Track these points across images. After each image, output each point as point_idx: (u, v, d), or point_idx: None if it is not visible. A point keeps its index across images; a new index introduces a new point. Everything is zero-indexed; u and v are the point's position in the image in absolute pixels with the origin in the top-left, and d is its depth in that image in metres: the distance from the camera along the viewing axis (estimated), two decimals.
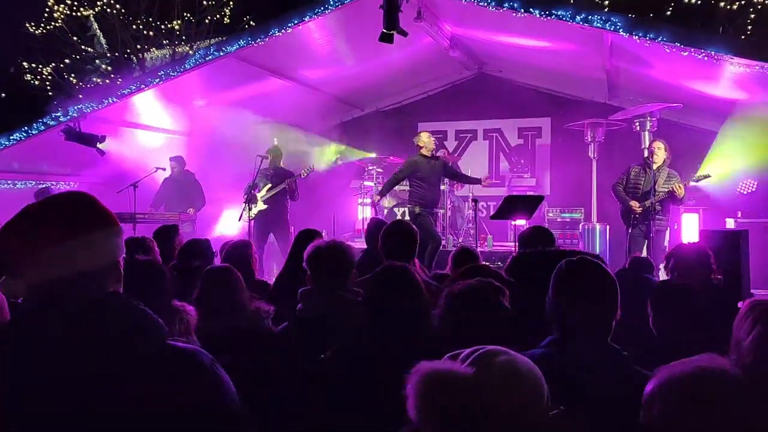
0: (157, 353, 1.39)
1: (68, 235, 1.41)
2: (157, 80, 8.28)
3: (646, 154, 7.77)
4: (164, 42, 15.01)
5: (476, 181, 8.68)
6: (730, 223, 8.75)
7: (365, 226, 9.99)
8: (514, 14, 6.95)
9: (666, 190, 7.52)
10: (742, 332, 2.15)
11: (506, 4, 6.84)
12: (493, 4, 6.88)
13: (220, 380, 1.44)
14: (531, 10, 6.80)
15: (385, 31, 6.90)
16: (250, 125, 10.13)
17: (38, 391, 1.31)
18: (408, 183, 8.45)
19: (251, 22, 13.71)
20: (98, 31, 15.20)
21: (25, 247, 1.41)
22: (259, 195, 8.60)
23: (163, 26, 14.59)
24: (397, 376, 1.42)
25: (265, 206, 8.58)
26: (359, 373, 2.28)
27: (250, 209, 8.23)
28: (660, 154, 7.55)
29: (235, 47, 7.88)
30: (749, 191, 8.63)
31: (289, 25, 7.59)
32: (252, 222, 8.25)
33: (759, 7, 11.82)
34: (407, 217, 8.94)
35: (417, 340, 2.35)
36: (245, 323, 2.91)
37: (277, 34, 7.67)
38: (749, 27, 12.06)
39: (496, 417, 1.32)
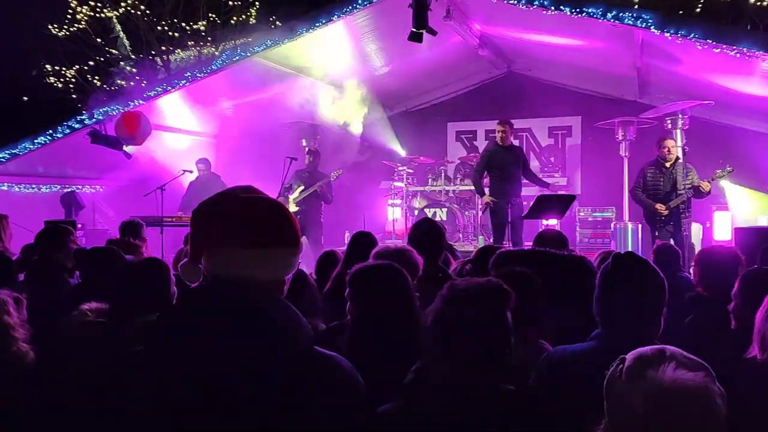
0: (307, 357, 1.44)
1: (251, 245, 1.46)
2: (183, 81, 8.33)
3: (658, 152, 7.60)
4: (189, 43, 15.09)
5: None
6: (763, 221, 8.63)
7: (395, 227, 10.06)
8: (544, 12, 6.89)
9: (689, 186, 7.40)
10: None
11: (536, 2, 6.79)
12: (524, 1, 6.84)
13: (359, 386, 1.50)
14: (561, 7, 6.74)
15: (414, 30, 6.89)
16: (277, 126, 10.20)
17: (194, 383, 1.36)
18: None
19: (277, 23, 13.75)
20: (121, 32, 15.35)
21: (208, 241, 1.48)
22: (291, 197, 8.65)
23: (188, 27, 14.68)
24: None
25: (297, 208, 8.63)
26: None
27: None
28: (673, 151, 7.46)
29: (262, 48, 7.90)
30: None
31: (317, 24, 7.60)
32: None
33: None
34: (438, 218, 8.94)
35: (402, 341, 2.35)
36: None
37: (305, 33, 7.67)
38: None
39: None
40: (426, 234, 3.99)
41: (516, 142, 11.35)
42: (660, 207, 7.45)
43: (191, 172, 9.11)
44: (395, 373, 1.97)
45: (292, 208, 8.64)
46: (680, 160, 7.52)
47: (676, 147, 7.57)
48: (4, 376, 2.38)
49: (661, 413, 1.32)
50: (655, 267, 2.31)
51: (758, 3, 11.34)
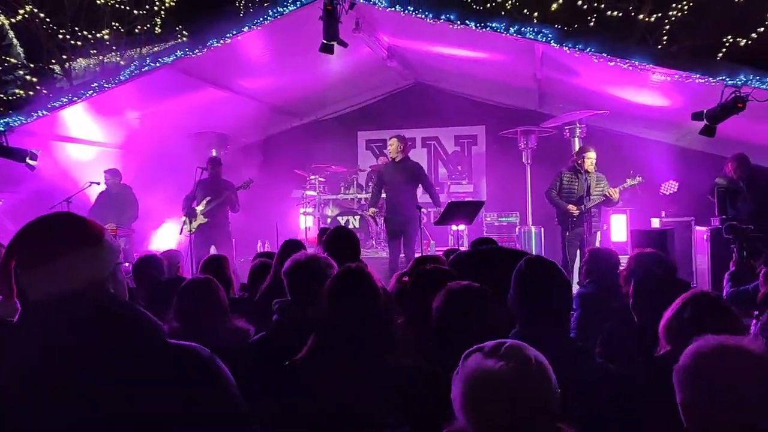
0: (161, 351, 1.48)
1: (61, 254, 1.47)
2: (90, 92, 8.09)
3: (578, 160, 8.12)
4: (92, 52, 14.60)
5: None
6: (656, 223, 9.24)
7: (307, 236, 10.10)
8: (450, 26, 7.16)
9: (599, 193, 7.94)
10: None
11: (443, 16, 7.05)
12: (431, 16, 7.08)
13: (220, 372, 1.54)
14: (467, 22, 7.02)
15: (325, 41, 7.01)
16: (187, 136, 10.05)
17: (46, 395, 1.38)
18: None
19: (183, 33, 13.54)
20: (15, 39, 14.67)
21: (24, 267, 1.48)
22: (198, 208, 8.56)
23: (90, 35, 14.20)
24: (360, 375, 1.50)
25: (206, 219, 8.54)
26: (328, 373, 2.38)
27: (190, 222, 8.18)
28: (593, 161, 7.97)
29: (172, 58, 7.79)
30: (671, 192, 9.13)
31: (228, 35, 7.57)
32: (193, 236, 8.19)
33: (673, 19, 12.51)
34: (351, 226, 9.09)
35: (377, 343, 2.47)
36: (224, 343, 2.88)
37: (216, 44, 7.64)
38: (665, 38, 12.74)
39: (537, 406, 1.42)
40: (345, 241, 4.12)
41: (424, 151, 11.73)
42: (572, 208, 7.95)
43: (98, 183, 8.85)
44: None
45: (200, 219, 8.56)
46: (594, 169, 8.03)
47: (594, 157, 8.08)
48: None
49: (467, 397, 1.45)
50: (561, 269, 2.52)
51: (647, 19, 12.17)
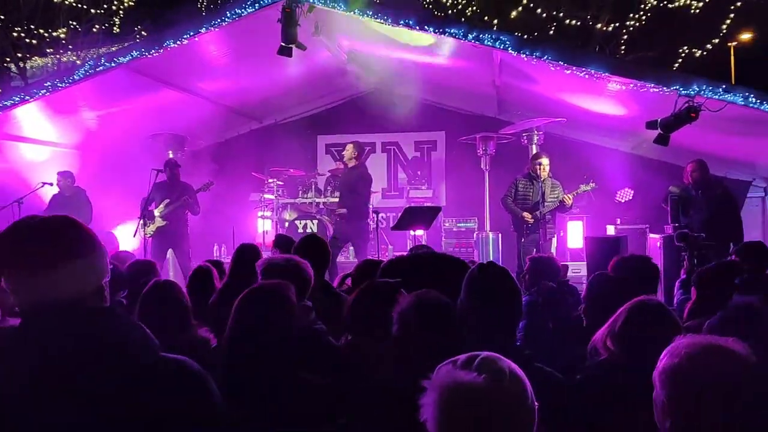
0: (152, 364, 1.47)
1: (52, 264, 1.44)
2: (43, 91, 7.89)
3: (532, 166, 8.21)
4: (48, 50, 14.29)
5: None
6: (611, 230, 9.38)
7: (265, 240, 10.01)
8: (410, 31, 7.17)
9: (554, 199, 8.03)
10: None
11: (402, 21, 7.05)
12: (390, 20, 7.08)
13: (209, 386, 1.54)
14: (426, 27, 7.05)
15: (283, 44, 6.96)
16: (144, 138, 9.88)
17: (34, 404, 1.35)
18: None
19: (142, 32, 13.33)
20: None
21: (9, 274, 1.45)
22: (156, 211, 8.43)
23: (47, 34, 13.88)
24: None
25: (164, 222, 8.42)
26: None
27: (146, 226, 8.05)
28: (546, 168, 8.07)
29: (128, 58, 7.65)
30: (626, 200, 9.28)
31: (185, 36, 7.46)
32: (150, 239, 8.07)
33: (631, 29, 12.76)
34: (309, 230, 9.02)
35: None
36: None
37: (173, 45, 7.52)
38: (623, 48, 12.98)
39: (512, 420, 1.39)
40: (315, 247, 4.08)
41: (384, 156, 11.72)
42: (527, 215, 8.04)
43: (51, 184, 8.63)
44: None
45: (159, 222, 8.43)
46: (549, 176, 8.12)
47: (548, 165, 8.16)
48: None
49: (440, 411, 1.43)
50: (512, 276, 2.53)
51: (604, 28, 12.39)
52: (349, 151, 8.53)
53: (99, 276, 1.52)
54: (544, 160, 8.14)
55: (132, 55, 7.59)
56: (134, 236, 7.80)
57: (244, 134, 11.85)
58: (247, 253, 4.26)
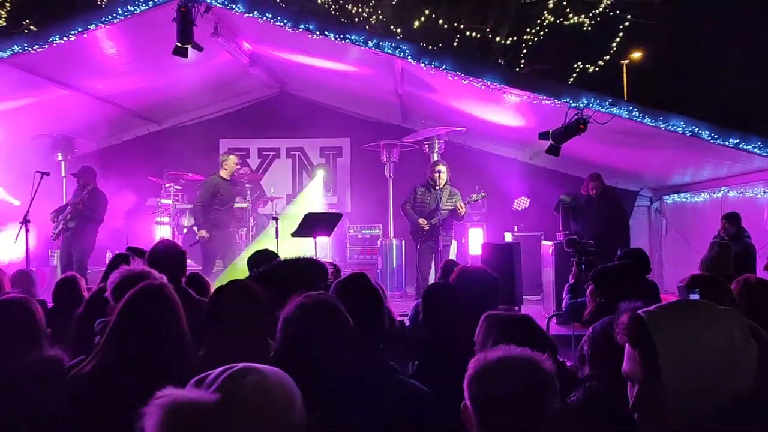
0: None
1: None
2: None
3: (430, 174, 8.30)
4: None
5: None
6: (509, 237, 9.63)
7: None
8: (310, 36, 7.11)
9: (449, 208, 8.16)
10: (480, 338, 2.47)
11: (302, 26, 6.99)
12: (290, 24, 7.00)
13: None
14: (326, 32, 7.01)
15: (179, 44, 6.74)
16: (26, 139, 9.30)
17: None
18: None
19: (31, 27, 12.62)
20: None
21: None
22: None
23: None
24: None
25: (69, 226, 8.35)
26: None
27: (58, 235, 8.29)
28: (443, 176, 8.18)
29: (8, 53, 7.18)
30: (523, 208, 9.56)
31: (72, 32, 7.08)
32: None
33: (529, 43, 13.22)
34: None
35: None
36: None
37: (59, 41, 7.12)
38: (522, 61, 13.42)
39: None
40: (166, 253, 3.92)
41: (289, 161, 11.58)
42: (422, 222, 8.13)
43: None
44: None
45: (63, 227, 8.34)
46: (447, 184, 8.21)
47: (445, 173, 8.25)
48: None
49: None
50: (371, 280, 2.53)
51: (503, 42, 12.77)
52: (232, 162, 8.49)
53: None
54: (442, 168, 8.26)
55: (13, 50, 7.14)
56: (15, 241, 7.32)
57: (142, 137, 11.40)
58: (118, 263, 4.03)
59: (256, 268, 3.73)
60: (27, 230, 7.19)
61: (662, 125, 7.11)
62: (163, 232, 9.92)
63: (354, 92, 10.41)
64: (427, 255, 8.19)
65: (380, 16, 12.59)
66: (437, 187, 8.19)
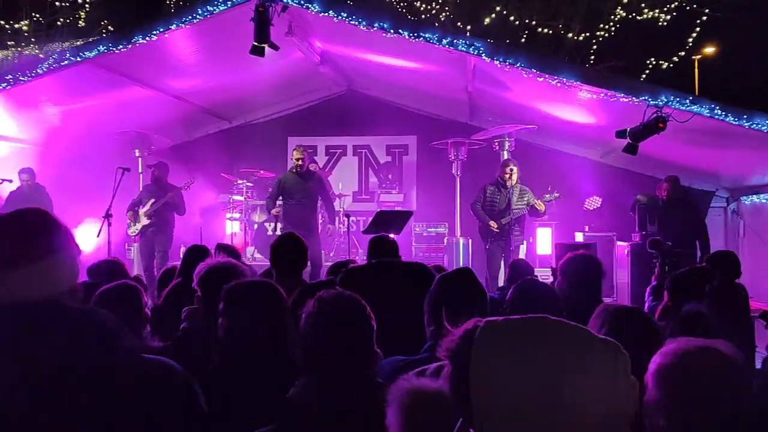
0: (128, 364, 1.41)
1: (47, 255, 1.40)
2: (4, 85, 7.66)
3: (500, 173, 8.16)
4: (9, 43, 13.94)
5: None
6: (579, 237, 9.46)
7: (233, 241, 9.86)
8: (384, 34, 7.13)
9: (521, 207, 8.02)
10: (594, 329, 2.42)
11: (377, 24, 7.01)
12: (364, 23, 7.03)
13: (192, 387, 1.52)
14: (400, 31, 7.02)
15: (256, 44, 6.86)
16: (108, 135, 9.66)
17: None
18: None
19: (109, 27, 13.07)
20: None
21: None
22: (141, 210, 8.44)
23: (8, 26, 13.54)
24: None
25: (149, 221, 8.42)
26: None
27: (134, 224, 8.48)
28: (514, 175, 8.05)
29: (94, 53, 7.46)
30: (595, 207, 9.37)
31: (154, 32, 7.31)
32: (138, 238, 8.54)
33: (600, 39, 12.94)
34: (278, 233, 8.89)
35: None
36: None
37: (141, 41, 7.36)
38: (592, 57, 13.15)
39: None
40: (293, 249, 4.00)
41: (355, 159, 11.65)
42: (492, 224, 7.99)
43: (11, 181, 8.39)
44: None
45: (144, 221, 8.49)
46: (517, 183, 8.09)
47: (516, 172, 8.11)
48: None
49: (406, 416, 1.41)
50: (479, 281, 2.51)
51: (575, 38, 12.54)
52: (299, 155, 8.39)
53: (76, 272, 1.48)
54: (513, 168, 8.12)
55: (98, 50, 7.41)
56: (98, 236, 7.60)
57: (213, 134, 11.67)
58: (196, 255, 4.11)
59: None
60: (109, 224, 7.45)
61: (746, 124, 6.87)
62: (234, 227, 10.14)
63: (421, 90, 10.40)
64: (497, 255, 8.08)
65: (449, 14, 12.55)
66: (508, 186, 8.05)
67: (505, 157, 9.08)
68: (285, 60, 8.77)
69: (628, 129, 7.04)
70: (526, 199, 8.10)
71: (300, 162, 8.28)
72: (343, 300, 2.04)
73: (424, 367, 1.48)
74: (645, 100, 6.86)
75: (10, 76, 7.67)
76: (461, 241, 9.54)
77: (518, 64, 6.95)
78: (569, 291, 3.42)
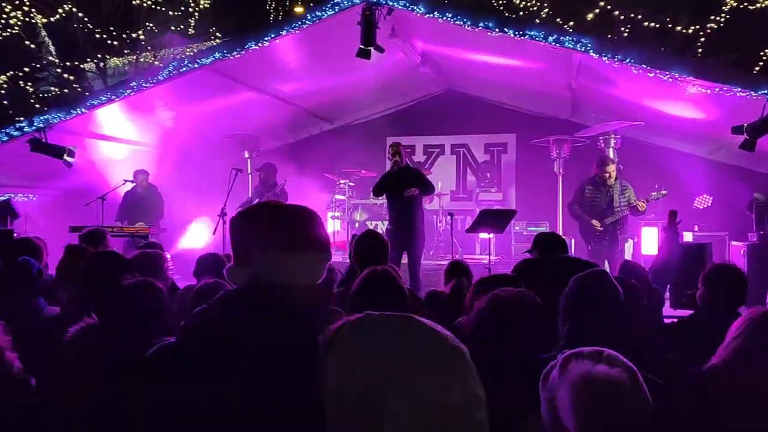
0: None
1: (292, 249, 1.51)
2: (128, 91, 8.17)
3: (599, 172, 7.91)
4: (126, 51, 14.82)
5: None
6: (688, 236, 9.11)
7: (335, 240, 10.12)
8: (489, 33, 7.13)
9: (625, 205, 7.80)
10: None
11: (482, 24, 7.02)
12: (469, 23, 7.06)
13: None
14: (506, 29, 7.00)
15: (362, 47, 7.02)
16: (218, 137, 10.12)
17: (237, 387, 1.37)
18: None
19: (217, 34, 13.67)
20: (47, 38, 14.89)
21: (259, 241, 1.52)
22: None
23: (125, 35, 14.40)
24: None
25: None
26: None
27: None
28: (613, 172, 7.83)
29: (210, 59, 7.85)
30: (705, 206, 9.01)
31: (266, 38, 7.62)
32: None
33: (709, 31, 12.38)
34: (379, 230, 9.04)
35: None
36: None
37: (254, 47, 7.68)
38: (700, 50, 12.60)
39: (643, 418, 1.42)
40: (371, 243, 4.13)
41: (453, 158, 11.66)
42: (596, 223, 7.81)
43: (134, 182, 8.92)
44: None
45: None
46: (617, 180, 7.89)
47: (615, 171, 7.91)
48: None
49: (579, 401, 1.45)
50: (616, 283, 2.51)
51: (683, 30, 12.06)
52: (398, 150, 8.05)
53: (321, 274, 1.59)
54: (611, 167, 7.85)
55: (214, 57, 7.79)
56: (213, 234, 7.98)
57: (316, 135, 12.01)
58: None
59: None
60: (224, 223, 7.81)
61: None
62: (336, 226, 10.39)
63: (521, 87, 10.30)
64: (600, 255, 7.89)
65: (548, 10, 12.37)
66: (607, 185, 7.84)
67: (611, 154, 8.88)
68: (386, 61, 8.91)
69: (745, 125, 6.74)
70: (627, 195, 7.86)
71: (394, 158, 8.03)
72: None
73: (578, 350, 1.52)
74: (765, 94, 6.56)
75: (133, 83, 8.17)
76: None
77: (627, 60, 6.79)
78: (711, 299, 3.36)
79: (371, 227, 9.44)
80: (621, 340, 2.41)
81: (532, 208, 10.57)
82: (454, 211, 10.61)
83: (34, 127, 7.92)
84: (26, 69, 13.98)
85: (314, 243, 1.54)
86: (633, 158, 8.92)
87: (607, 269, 7.89)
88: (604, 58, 6.88)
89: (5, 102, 13.75)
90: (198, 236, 9.92)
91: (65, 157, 7.76)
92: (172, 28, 14.23)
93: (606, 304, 2.46)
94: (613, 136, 9.14)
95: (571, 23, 10.62)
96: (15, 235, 7.39)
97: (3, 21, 13.65)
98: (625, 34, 12.02)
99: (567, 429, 1.44)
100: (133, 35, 14.18)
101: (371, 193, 8.15)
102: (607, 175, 7.82)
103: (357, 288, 2.80)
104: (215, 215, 7.92)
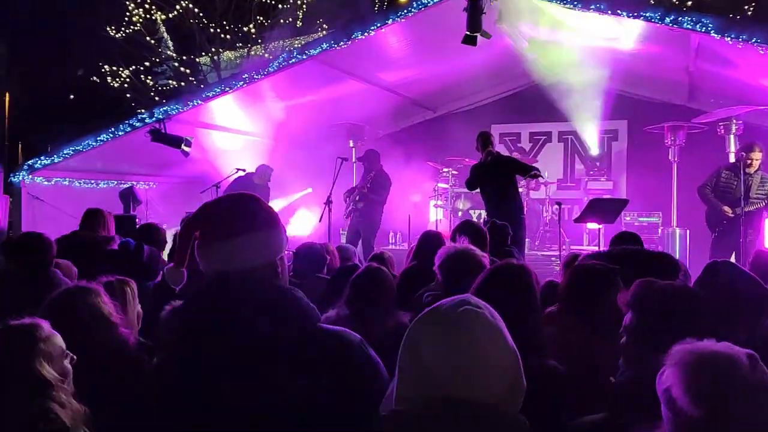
0: (313, 335, 1.55)
1: (242, 233, 1.59)
2: (241, 83, 8.48)
3: (743, 158, 7.36)
4: (238, 45, 15.43)
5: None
6: None
7: (438, 228, 10.10)
8: (599, 15, 6.88)
9: (760, 196, 7.29)
10: None
11: (593, 6, 6.78)
12: (580, 6, 6.83)
13: (371, 356, 1.61)
14: (619, 11, 6.72)
15: (468, 33, 6.94)
16: (326, 127, 10.35)
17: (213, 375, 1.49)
18: None
19: (324, 26, 13.96)
20: (165, 33, 15.70)
21: (204, 239, 1.63)
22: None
23: (236, 29, 15.01)
24: None
25: (358, 207, 8.88)
26: None
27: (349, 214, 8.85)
28: (757, 161, 7.28)
29: (318, 50, 8.02)
30: None
31: (372, 28, 7.69)
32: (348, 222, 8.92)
33: None
34: (481, 220, 8.97)
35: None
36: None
37: (360, 37, 7.77)
38: None
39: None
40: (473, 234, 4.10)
41: (561, 145, 11.32)
42: (727, 209, 7.33)
43: (245, 171, 9.25)
44: None
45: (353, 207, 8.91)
46: (759, 169, 7.36)
47: (761, 157, 7.33)
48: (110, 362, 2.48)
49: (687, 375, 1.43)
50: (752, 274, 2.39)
51: None
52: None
53: (275, 251, 1.65)
54: (758, 154, 7.27)
55: (322, 48, 7.94)
56: (320, 221, 8.18)
57: (418, 124, 12.03)
58: (430, 241, 4.31)
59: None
60: (330, 210, 7.99)
61: None
62: (438, 215, 10.39)
63: (634, 72, 9.86)
64: (724, 248, 7.40)
65: None
66: (749, 172, 7.30)
67: (732, 141, 8.37)
68: (492, 48, 8.77)
69: None
70: (766, 188, 7.32)
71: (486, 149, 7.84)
72: None
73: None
74: None
75: (246, 75, 8.47)
76: (678, 231, 8.97)
77: (753, 40, 6.35)
78: None
79: (474, 216, 9.36)
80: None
81: (644, 198, 10.13)
82: (561, 200, 10.37)
83: (154, 119, 8.37)
84: (147, 63, 14.81)
85: (235, 229, 1.59)
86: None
87: (733, 260, 7.44)
88: (727, 39, 6.47)
89: (128, 95, 14.64)
90: (304, 223, 10.22)
91: (183, 146, 8.15)
92: (281, 21, 14.66)
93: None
94: (734, 121, 8.59)
95: (689, 3, 10.05)
96: (137, 220, 7.89)
97: (126, 18, 14.53)
98: (749, 13, 11.26)
99: (687, 413, 1.41)
100: (245, 29, 14.72)
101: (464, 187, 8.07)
102: (750, 161, 7.29)
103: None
104: (321, 203, 8.12)
